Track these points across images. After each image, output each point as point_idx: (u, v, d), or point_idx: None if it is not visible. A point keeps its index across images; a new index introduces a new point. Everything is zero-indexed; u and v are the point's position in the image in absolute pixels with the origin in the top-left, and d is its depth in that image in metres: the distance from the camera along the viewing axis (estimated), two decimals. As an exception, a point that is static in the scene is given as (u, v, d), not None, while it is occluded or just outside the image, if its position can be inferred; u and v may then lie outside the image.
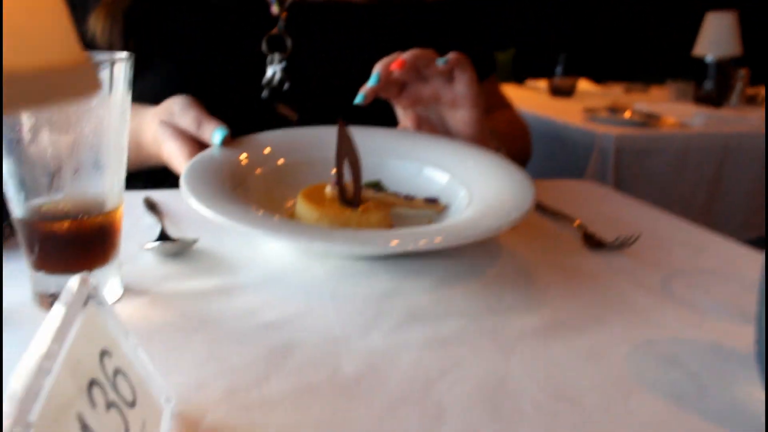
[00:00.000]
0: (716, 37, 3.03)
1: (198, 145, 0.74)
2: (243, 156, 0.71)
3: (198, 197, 0.58)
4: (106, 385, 0.30)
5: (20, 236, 0.49)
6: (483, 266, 0.61)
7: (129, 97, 0.50)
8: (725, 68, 2.95)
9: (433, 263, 0.60)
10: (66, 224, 0.49)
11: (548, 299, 0.54)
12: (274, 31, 0.92)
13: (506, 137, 0.96)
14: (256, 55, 0.92)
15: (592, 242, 0.67)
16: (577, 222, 0.72)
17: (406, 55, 0.73)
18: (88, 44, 0.90)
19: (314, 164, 0.74)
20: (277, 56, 0.91)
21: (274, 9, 0.92)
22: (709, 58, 3.02)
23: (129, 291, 0.53)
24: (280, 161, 0.73)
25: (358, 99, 0.73)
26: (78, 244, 0.50)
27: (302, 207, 0.64)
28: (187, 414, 0.37)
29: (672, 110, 2.54)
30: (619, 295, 0.55)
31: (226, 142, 0.71)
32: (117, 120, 0.49)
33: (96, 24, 0.88)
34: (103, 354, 0.31)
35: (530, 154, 1.11)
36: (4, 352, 0.42)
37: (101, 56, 0.47)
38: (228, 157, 0.69)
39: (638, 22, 4.98)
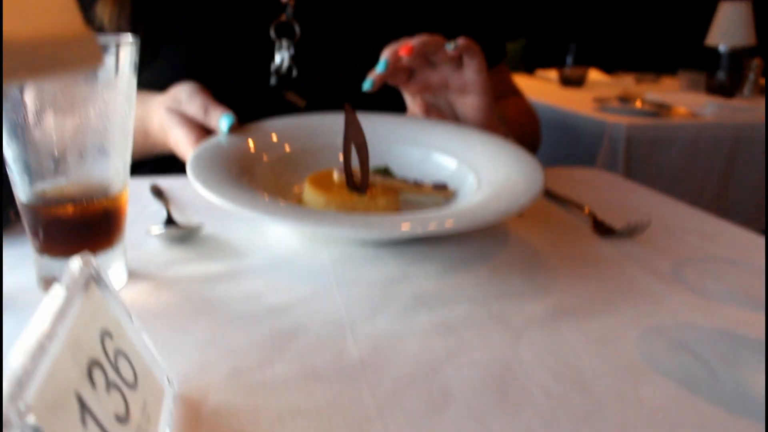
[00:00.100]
0: (729, 27, 2.99)
1: (205, 131, 0.73)
2: (250, 142, 0.70)
3: (204, 183, 0.57)
4: (106, 366, 0.29)
5: (25, 221, 0.49)
6: (491, 252, 0.60)
7: (135, 81, 0.50)
8: (738, 58, 2.92)
9: (441, 249, 0.60)
10: (70, 208, 0.48)
11: (557, 285, 0.54)
12: (283, 17, 0.91)
13: (515, 124, 0.96)
14: (264, 42, 0.91)
15: (602, 229, 0.66)
16: (587, 209, 0.71)
17: (414, 41, 0.72)
18: (97, 29, 0.89)
19: (322, 150, 0.73)
20: (285, 43, 0.91)
21: (282, -5, 0.92)
22: (722, 47, 2.99)
23: (134, 276, 0.53)
24: (287, 148, 0.73)
25: (366, 85, 0.72)
26: (83, 228, 0.49)
27: (309, 193, 0.64)
28: (189, 396, 0.37)
29: (683, 100, 2.51)
30: (629, 282, 0.55)
31: (233, 129, 0.71)
32: (122, 103, 0.49)
33: (104, 10, 0.88)
34: (104, 335, 0.31)
35: (539, 141, 1.10)
36: (9, 336, 0.42)
37: (107, 38, 0.47)
38: (235, 144, 0.69)
39: (650, 11, 4.94)
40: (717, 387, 0.40)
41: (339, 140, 0.65)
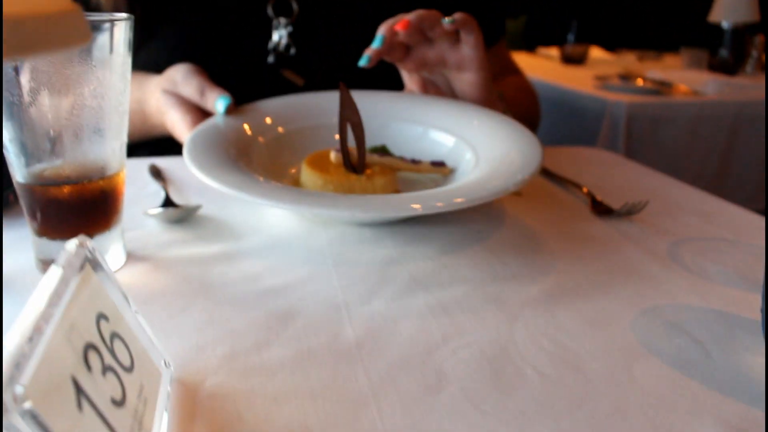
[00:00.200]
0: (733, 3, 2.96)
1: (201, 113, 0.73)
2: (246, 124, 0.70)
3: (201, 167, 0.57)
4: (102, 349, 0.29)
5: (23, 202, 0.49)
6: (488, 233, 0.60)
7: (129, 60, 0.50)
8: (741, 35, 2.89)
9: (438, 230, 0.60)
10: (67, 189, 0.48)
11: (554, 266, 0.54)
12: (280, -5, 0.90)
13: (514, 102, 0.95)
14: (262, 20, 0.90)
15: (600, 209, 0.66)
16: (585, 189, 0.71)
17: (410, 16, 0.71)
18: (93, 10, 0.88)
19: (318, 130, 0.73)
20: (283, 21, 0.90)
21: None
22: (725, 24, 2.96)
23: (132, 257, 0.53)
24: (284, 129, 0.72)
25: (363, 61, 0.72)
26: (80, 209, 0.49)
27: (306, 174, 0.64)
28: (186, 379, 0.37)
29: (685, 78, 2.50)
30: (626, 262, 0.55)
31: (229, 111, 0.70)
32: (118, 82, 0.49)
33: (100, -11, 0.87)
34: (100, 318, 0.31)
35: (539, 120, 1.09)
36: (8, 318, 0.42)
37: (101, 16, 0.47)
38: (231, 126, 0.69)
39: (653, -13, 4.89)
40: (711, 369, 0.40)
41: (336, 120, 0.65)
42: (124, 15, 0.48)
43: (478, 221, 0.62)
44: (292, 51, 0.91)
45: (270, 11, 0.90)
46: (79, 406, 0.26)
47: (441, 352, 0.40)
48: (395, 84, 0.81)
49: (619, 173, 0.84)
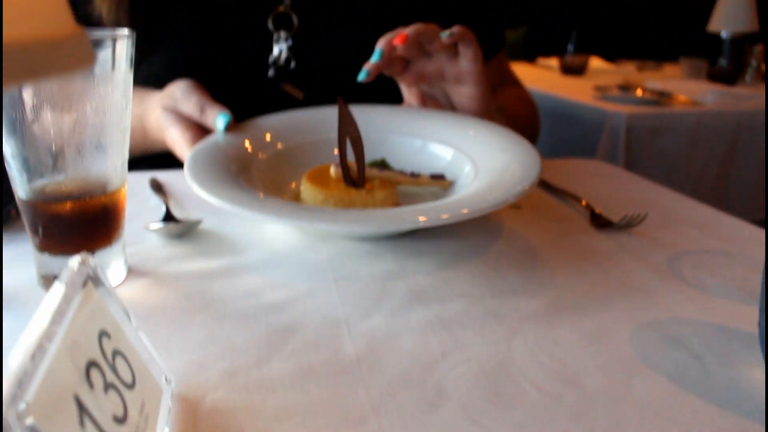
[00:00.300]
0: (732, 13, 2.98)
1: (201, 130, 0.73)
2: (246, 140, 0.70)
3: (202, 184, 0.58)
4: (104, 367, 0.30)
5: (24, 218, 0.49)
6: (487, 247, 0.60)
7: (131, 76, 0.50)
8: (740, 44, 2.91)
9: (437, 244, 0.60)
10: (69, 205, 0.49)
11: (553, 280, 0.54)
12: (280, 8, 0.91)
13: (513, 113, 0.95)
14: (262, 34, 0.91)
15: (599, 221, 0.66)
16: (584, 201, 0.71)
17: (408, 30, 0.72)
18: (94, 24, 0.89)
19: (318, 146, 0.73)
20: (283, 34, 0.91)
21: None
22: (725, 33, 2.98)
23: (133, 272, 0.53)
24: (283, 144, 0.73)
25: (362, 76, 0.72)
26: (81, 225, 0.50)
27: (307, 189, 0.64)
28: (187, 395, 0.37)
29: (685, 88, 2.51)
30: (625, 275, 0.55)
31: (229, 128, 0.71)
32: (119, 98, 0.49)
33: (102, 4, 0.88)
34: (102, 335, 0.31)
35: (538, 132, 1.10)
36: (9, 333, 0.42)
37: (103, 33, 0.47)
38: (231, 142, 0.69)
39: (652, -2, 4.91)
40: (709, 383, 0.40)
41: (335, 134, 0.65)
42: (125, 31, 0.48)
43: (478, 235, 0.62)
44: (292, 65, 0.91)
45: (270, 25, 0.91)
46: (82, 423, 0.26)
47: (440, 367, 0.41)
48: (394, 97, 0.82)
49: (618, 185, 0.84)
